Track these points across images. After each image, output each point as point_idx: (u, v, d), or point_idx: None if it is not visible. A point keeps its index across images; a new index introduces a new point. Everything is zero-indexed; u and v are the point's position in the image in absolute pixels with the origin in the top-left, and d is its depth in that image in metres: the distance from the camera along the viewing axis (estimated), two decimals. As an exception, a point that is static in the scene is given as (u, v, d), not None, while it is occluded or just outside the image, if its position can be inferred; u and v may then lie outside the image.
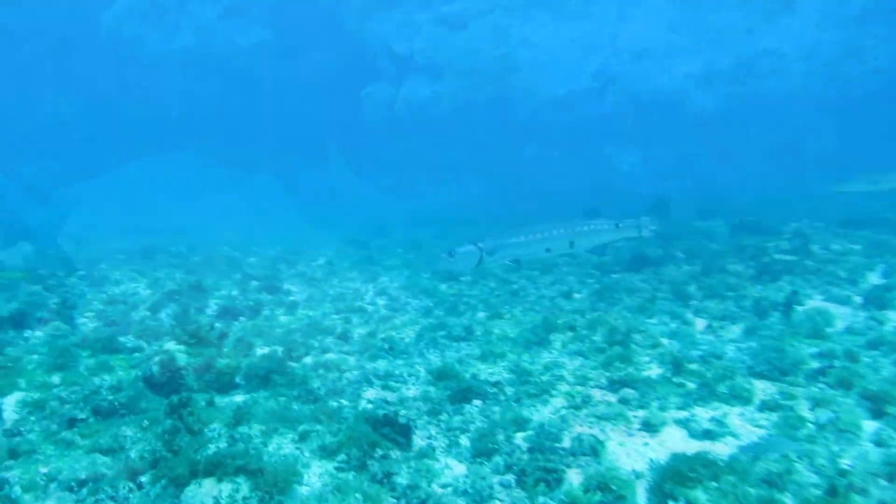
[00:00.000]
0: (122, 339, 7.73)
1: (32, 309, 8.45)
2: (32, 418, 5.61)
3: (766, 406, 6.31)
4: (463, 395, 6.50)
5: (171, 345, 6.16)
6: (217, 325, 9.55)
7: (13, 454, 4.71)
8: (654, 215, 7.49)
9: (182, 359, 6.01)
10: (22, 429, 5.32)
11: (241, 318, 10.30)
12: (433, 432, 5.80)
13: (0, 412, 5.64)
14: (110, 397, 5.58)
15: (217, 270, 14.91)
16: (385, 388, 6.90)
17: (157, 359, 5.99)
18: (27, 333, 7.92)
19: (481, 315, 10.69)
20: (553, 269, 16.17)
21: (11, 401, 5.85)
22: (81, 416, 5.51)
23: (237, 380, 6.49)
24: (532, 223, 7.28)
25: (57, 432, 5.12)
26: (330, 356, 7.63)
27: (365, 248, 23.86)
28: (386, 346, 8.12)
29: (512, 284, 14.08)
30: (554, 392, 6.78)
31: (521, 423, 5.91)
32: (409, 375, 7.27)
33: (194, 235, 34.45)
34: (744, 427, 5.94)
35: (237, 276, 13.68)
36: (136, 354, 7.44)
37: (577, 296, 12.52)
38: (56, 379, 6.24)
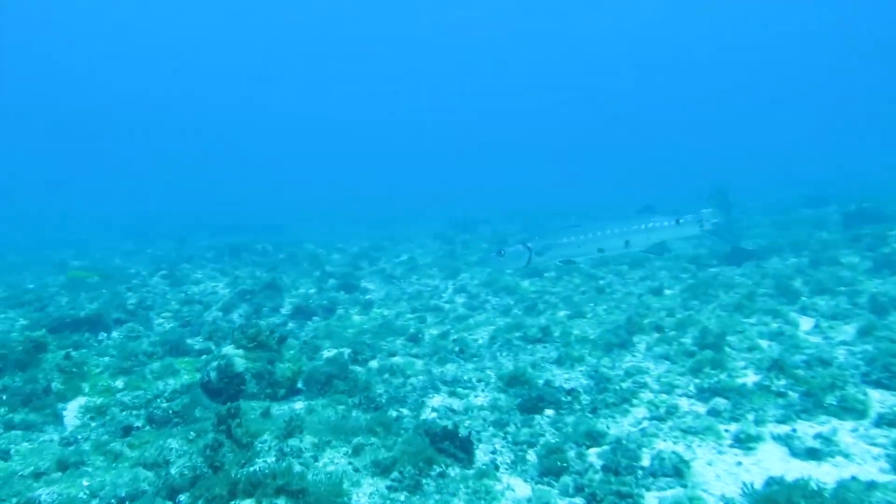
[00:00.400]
0: (190, 341, 7.67)
1: (111, 310, 8.56)
2: (93, 424, 5.55)
3: (883, 421, 5.47)
4: (534, 403, 6.00)
5: (229, 349, 5.95)
6: (287, 325, 9.47)
7: (62, 466, 4.60)
8: (715, 207, 6.95)
9: (240, 364, 5.79)
10: (79, 437, 5.25)
11: (315, 318, 10.15)
12: (498, 446, 5.33)
13: (62, 418, 5.61)
14: (164, 405, 5.44)
15: (298, 268, 14.94)
16: (452, 394, 6.49)
17: (214, 364, 5.80)
18: (102, 335, 8.01)
19: (562, 314, 10.11)
20: (644, 263, 15.35)
21: (74, 406, 5.82)
22: (137, 423, 5.38)
23: (299, 385, 6.24)
24: (585, 223, 7.04)
25: (108, 442, 4.99)
26: (396, 360, 7.28)
27: (450, 244, 23.60)
28: (456, 349, 7.70)
29: (598, 280, 13.39)
30: (635, 401, 6.17)
31: (595, 438, 5.35)
32: (479, 381, 6.83)
33: (285, 232, 35.39)
34: (857, 446, 5.14)
35: (316, 274, 13.63)
36: (204, 357, 7.36)
37: (667, 292, 11.72)
38: (120, 383, 6.18)
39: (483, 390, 6.63)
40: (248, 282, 11.97)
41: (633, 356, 7.63)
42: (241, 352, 5.89)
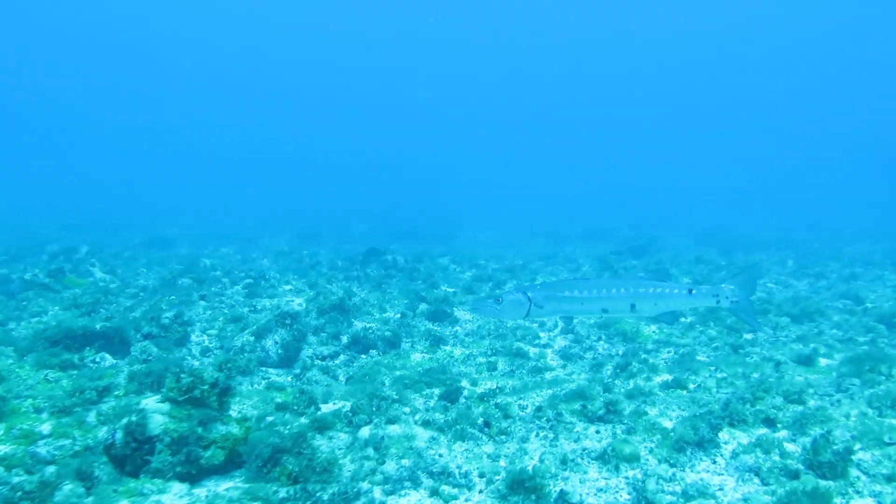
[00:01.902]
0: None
1: (143, 322, 7.99)
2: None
3: None
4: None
5: (151, 401, 4.88)
6: (338, 359, 8.38)
7: None
8: (738, 285, 6.63)
9: (157, 423, 4.68)
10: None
11: (372, 352, 9.00)
12: None
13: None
14: (51, 469, 4.50)
15: (401, 287, 13.94)
16: (433, 494, 4.95)
17: (125, 420, 4.77)
18: (101, 356, 7.29)
19: (659, 380, 8.07)
20: (817, 315, 12.58)
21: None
22: (29, 487, 4.50)
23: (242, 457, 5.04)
24: (591, 277, 7.60)
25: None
26: (393, 428, 5.85)
27: (608, 267, 21.52)
28: (481, 422, 6.11)
29: (742, 334, 10.96)
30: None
31: None
32: (481, 477, 5.21)
33: (455, 241, 34.89)
34: None
35: (411, 297, 12.52)
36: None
37: (822, 362, 9.16)
38: (48, 427, 5.36)
39: (480, 491, 5.02)
40: (332, 298, 11.06)
41: (713, 462, 5.58)
42: (165, 406, 4.79)
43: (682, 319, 12.39)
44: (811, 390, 7.53)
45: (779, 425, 6.36)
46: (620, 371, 8.39)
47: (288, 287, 12.46)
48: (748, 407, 6.60)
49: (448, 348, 9.58)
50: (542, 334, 11.22)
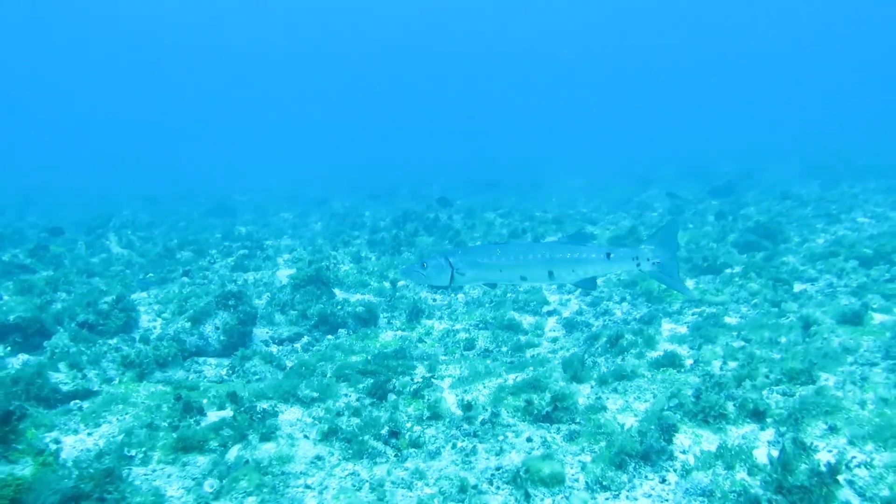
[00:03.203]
0: (60, 374, 6.03)
1: (75, 312, 7.36)
2: None
3: None
4: None
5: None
6: (300, 341, 7.63)
7: None
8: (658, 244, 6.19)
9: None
10: None
11: (341, 332, 8.14)
12: None
13: None
14: None
15: (422, 249, 12.95)
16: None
17: None
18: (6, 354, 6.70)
19: (652, 355, 6.76)
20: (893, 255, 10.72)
21: None
22: None
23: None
24: (511, 242, 6.75)
25: None
26: (267, 448, 4.85)
27: (681, 212, 19.71)
28: (385, 432, 5.09)
29: (791, 286, 9.36)
30: None
31: None
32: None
33: (541, 191, 33.34)
34: None
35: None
36: (77, 404, 5.52)
37: (874, 319, 7.56)
38: None
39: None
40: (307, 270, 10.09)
41: (662, 481, 4.36)
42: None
43: (727, 270, 10.81)
44: (842, 362, 6.04)
45: (768, 420, 5.01)
46: (611, 345, 7.12)
47: (286, 257, 11.78)
48: (740, 392, 5.28)
49: (431, 322, 8.58)
50: (552, 298, 10.01)
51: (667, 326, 8.73)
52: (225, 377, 6.42)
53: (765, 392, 5.43)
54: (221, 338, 7.12)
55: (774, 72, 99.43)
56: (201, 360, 6.69)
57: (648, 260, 6.08)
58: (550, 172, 44.20)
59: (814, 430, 4.78)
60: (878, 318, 7.60)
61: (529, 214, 20.83)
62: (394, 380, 5.93)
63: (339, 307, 8.25)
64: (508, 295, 10.03)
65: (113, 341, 6.87)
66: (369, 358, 6.66)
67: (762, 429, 4.93)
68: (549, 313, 9.38)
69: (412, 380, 6.12)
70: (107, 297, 7.33)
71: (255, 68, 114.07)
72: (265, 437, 4.76)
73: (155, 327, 7.95)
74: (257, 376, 6.40)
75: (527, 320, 8.83)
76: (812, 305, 8.31)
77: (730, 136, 60.82)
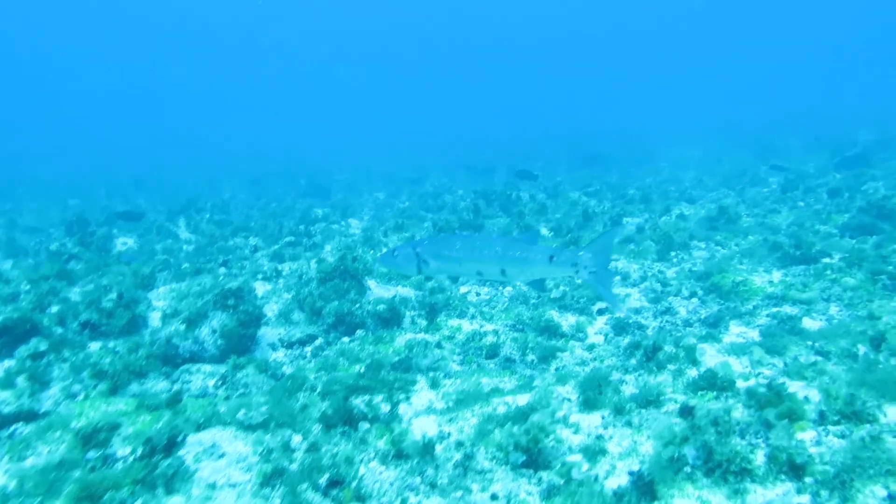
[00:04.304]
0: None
1: (79, 310, 7.09)
2: None
3: None
4: None
5: None
6: (312, 344, 7.11)
7: None
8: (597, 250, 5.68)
9: None
10: None
11: (359, 333, 7.50)
12: None
13: None
14: None
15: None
16: None
17: None
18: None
19: (692, 373, 5.66)
20: None
21: None
22: None
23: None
24: (475, 235, 6.92)
25: None
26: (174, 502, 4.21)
27: (795, 188, 17.62)
28: (324, 481, 4.35)
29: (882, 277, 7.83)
30: None
31: None
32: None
33: (647, 164, 31.41)
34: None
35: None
36: (18, 428, 5.16)
37: None
38: None
39: None
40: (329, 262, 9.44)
41: None
42: None
43: (825, 259, 9.28)
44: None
45: (807, 479, 3.90)
46: (647, 359, 6.06)
47: (328, 248, 11.28)
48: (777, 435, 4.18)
49: (459, 323, 7.79)
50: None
51: (735, 330, 7.51)
52: (211, 389, 5.96)
53: (811, 435, 4.28)
54: (219, 342, 6.66)
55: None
56: (195, 367, 6.26)
57: (585, 268, 5.68)
58: (664, 142, 41.69)
59: (866, 497, 3.64)
60: None
61: (622, 192, 19.41)
62: (374, 398, 5.22)
63: (357, 305, 7.62)
64: (562, 288, 9.06)
65: (112, 344, 6.57)
66: (362, 370, 5.98)
67: (799, 491, 3.84)
68: (601, 311, 8.34)
69: (394, 400, 5.39)
70: (112, 294, 7.05)
71: (351, 48, 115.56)
72: (171, 488, 4.11)
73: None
74: (244, 390, 5.90)
75: (568, 321, 7.86)
76: (916, 309, 6.82)
77: (870, 99, 54.98)
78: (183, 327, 6.64)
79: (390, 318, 7.73)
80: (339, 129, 78.01)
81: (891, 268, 8.39)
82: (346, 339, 7.45)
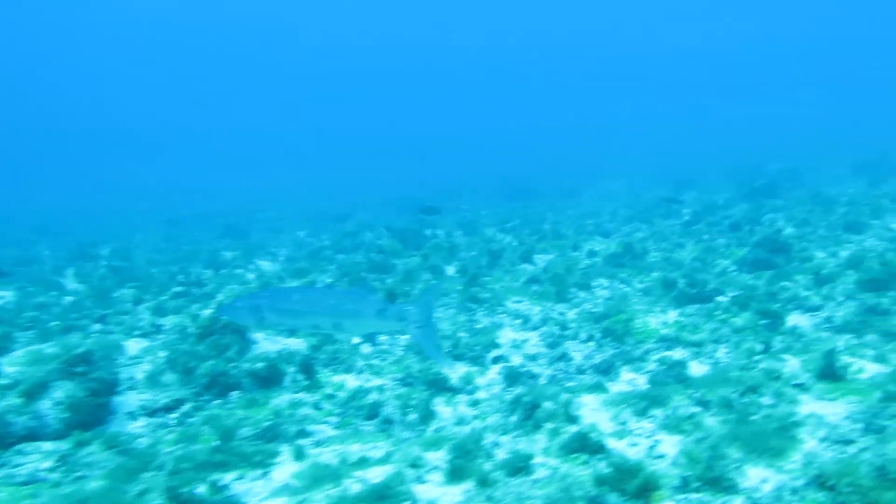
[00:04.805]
0: None
1: None
2: None
3: None
4: None
5: None
6: (151, 419, 6.59)
7: None
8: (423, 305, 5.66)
9: None
10: None
11: (233, 395, 7.03)
12: None
13: None
14: None
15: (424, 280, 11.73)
16: None
17: None
18: None
19: (572, 430, 5.43)
20: None
21: None
22: None
23: None
24: (313, 288, 7.27)
25: None
26: None
27: (701, 221, 17.98)
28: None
29: (784, 319, 7.85)
30: None
31: None
32: None
33: (575, 198, 31.61)
34: None
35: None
36: None
37: (865, 371, 6.11)
38: None
39: None
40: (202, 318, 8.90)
41: None
42: None
43: (719, 298, 9.31)
44: (794, 447, 4.63)
45: None
46: (526, 417, 5.81)
47: (220, 298, 10.75)
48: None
49: (342, 379, 7.40)
50: (508, 336, 8.73)
51: (626, 376, 7.39)
52: (42, 473, 5.38)
53: (671, 506, 4.08)
54: (64, 415, 6.08)
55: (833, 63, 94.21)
56: (31, 447, 5.68)
57: (413, 322, 5.62)
58: (594, 175, 42.48)
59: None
60: (870, 368, 6.07)
61: (539, 227, 19.43)
62: (224, 476, 4.78)
63: (233, 364, 7.16)
64: (460, 335, 8.79)
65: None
66: (216, 444, 5.52)
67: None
68: (496, 360, 8.10)
69: (246, 478, 4.96)
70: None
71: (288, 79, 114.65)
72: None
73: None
74: (85, 471, 5.36)
75: (459, 372, 7.57)
76: (796, 350, 6.81)
77: (784, 134, 57.50)
78: (20, 401, 6.04)
79: (269, 377, 7.29)
80: (274, 167, 76.64)
81: (777, 306, 8.44)
82: (217, 402, 6.96)
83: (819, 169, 31.91)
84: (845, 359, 6.19)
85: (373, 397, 6.88)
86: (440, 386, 7.20)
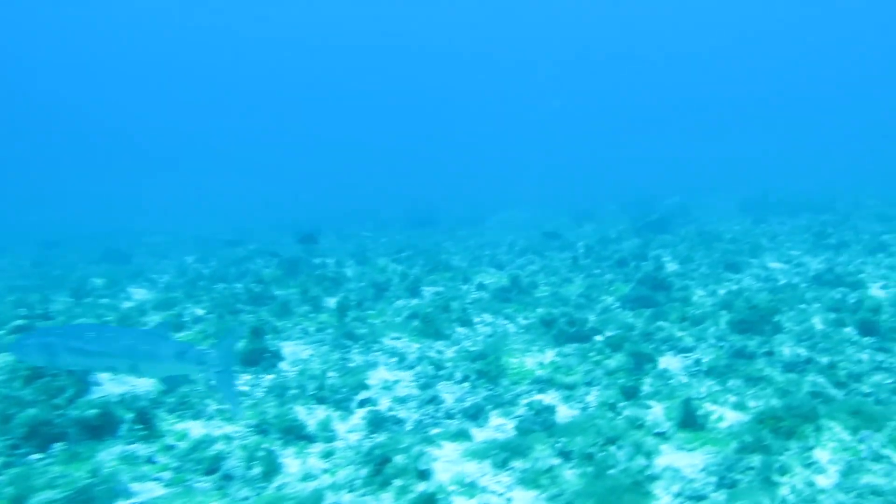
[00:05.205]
0: None
1: None
2: None
3: None
4: None
5: None
6: None
7: None
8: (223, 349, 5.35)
9: None
10: None
11: (56, 447, 6.26)
12: None
13: None
14: None
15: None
16: None
17: None
18: None
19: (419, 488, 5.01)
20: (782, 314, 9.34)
21: None
22: None
23: None
24: (109, 326, 6.77)
25: None
26: None
27: (597, 253, 18.17)
28: None
29: (656, 362, 7.76)
30: None
31: None
32: None
33: (478, 228, 31.56)
34: None
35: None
36: None
37: (725, 419, 6.00)
38: None
39: None
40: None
41: None
42: None
43: (597, 337, 9.21)
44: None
45: None
46: (376, 472, 5.35)
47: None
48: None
49: (186, 426, 6.73)
50: (379, 377, 8.28)
51: (494, 422, 7.08)
52: None
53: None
54: None
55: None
56: None
57: (212, 367, 5.34)
58: (501, 203, 42.89)
59: None
60: (729, 416, 5.99)
61: (435, 257, 19.12)
62: None
63: (59, 412, 6.36)
64: (329, 374, 8.26)
65: None
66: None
67: None
68: (362, 402, 7.61)
69: None
70: None
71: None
72: None
73: None
74: None
75: (318, 416, 7.04)
76: (663, 395, 6.69)
77: (684, 169, 60.17)
78: None
79: (101, 426, 6.50)
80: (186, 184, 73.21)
81: (651, 347, 8.39)
82: (37, 456, 6.14)
83: (710, 205, 33.39)
84: (707, 406, 6.10)
85: (218, 448, 6.25)
86: (296, 433, 6.64)
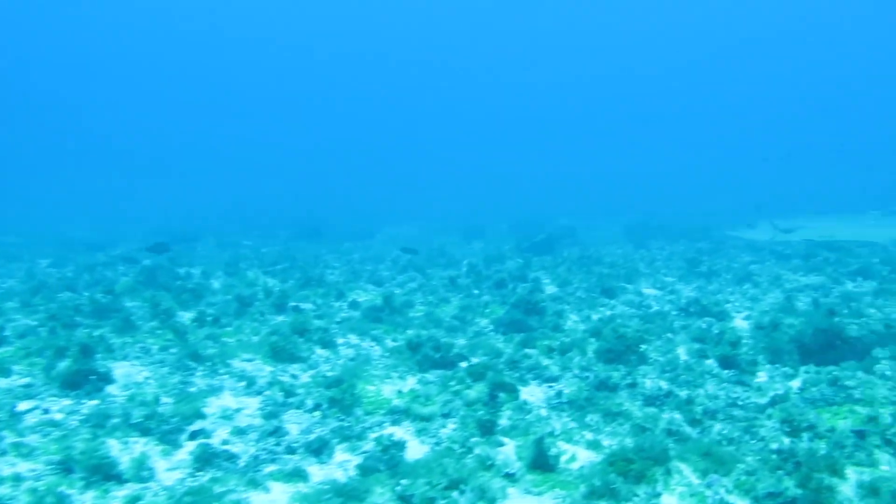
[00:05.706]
0: None
1: None
2: None
3: None
4: None
5: None
6: None
7: None
8: None
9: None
10: None
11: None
12: None
13: None
14: None
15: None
16: None
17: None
18: None
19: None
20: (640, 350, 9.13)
21: None
22: None
23: None
24: None
25: None
26: None
27: (477, 274, 17.79)
28: None
29: (520, 399, 7.34)
30: None
31: None
32: None
33: (369, 240, 30.66)
34: None
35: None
36: None
37: (577, 459, 5.59)
38: None
39: None
40: None
41: None
42: None
43: (462, 364, 8.76)
44: None
45: None
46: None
47: None
48: None
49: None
50: (219, 404, 7.46)
51: (339, 457, 6.43)
52: None
53: None
54: None
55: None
56: None
57: None
58: (393, 217, 42.35)
59: None
60: (582, 456, 5.64)
61: (312, 271, 18.26)
62: None
63: None
64: (163, 401, 7.35)
65: None
66: None
67: None
68: (193, 435, 6.78)
69: None
70: None
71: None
72: None
73: None
74: None
75: (135, 452, 6.16)
76: (518, 431, 6.28)
77: (578, 191, 61.90)
78: None
79: None
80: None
81: (516, 376, 8.03)
82: None
83: (598, 227, 34.25)
84: (561, 444, 5.73)
85: (27, 485, 5.30)
86: (104, 473, 5.75)
